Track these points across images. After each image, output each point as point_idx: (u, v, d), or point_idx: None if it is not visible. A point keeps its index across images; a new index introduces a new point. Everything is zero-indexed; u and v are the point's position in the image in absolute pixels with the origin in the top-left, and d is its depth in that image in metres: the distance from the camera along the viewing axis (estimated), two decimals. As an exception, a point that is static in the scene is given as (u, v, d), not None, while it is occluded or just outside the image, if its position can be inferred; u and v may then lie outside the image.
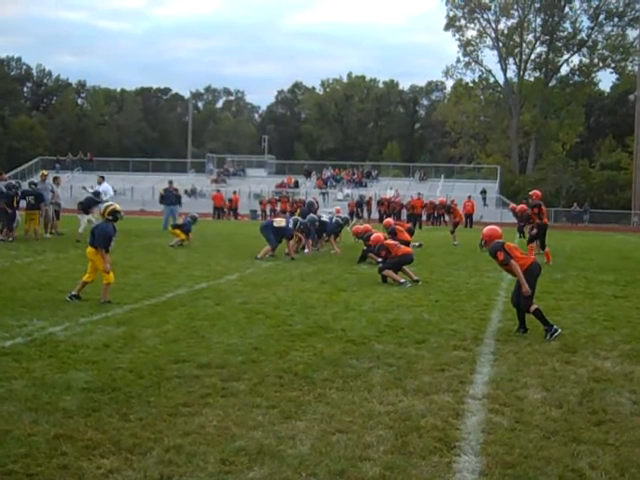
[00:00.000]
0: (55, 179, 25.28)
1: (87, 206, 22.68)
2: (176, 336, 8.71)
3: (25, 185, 25.40)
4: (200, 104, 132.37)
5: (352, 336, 8.95)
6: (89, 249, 11.22)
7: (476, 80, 78.93)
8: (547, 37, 74.32)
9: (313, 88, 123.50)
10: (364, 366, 7.48)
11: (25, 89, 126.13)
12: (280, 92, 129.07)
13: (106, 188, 25.48)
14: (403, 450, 5.13)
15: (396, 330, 9.44)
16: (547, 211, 21.61)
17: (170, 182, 30.54)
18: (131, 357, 7.61)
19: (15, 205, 21.51)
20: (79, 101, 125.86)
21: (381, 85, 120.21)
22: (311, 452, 5.04)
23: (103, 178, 27.11)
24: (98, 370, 7.04)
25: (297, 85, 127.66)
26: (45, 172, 26.28)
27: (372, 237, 15.55)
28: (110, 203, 11.83)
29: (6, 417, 5.60)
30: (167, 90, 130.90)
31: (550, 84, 75.82)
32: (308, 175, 62.70)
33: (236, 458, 4.90)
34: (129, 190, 57.14)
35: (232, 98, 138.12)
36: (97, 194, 23.21)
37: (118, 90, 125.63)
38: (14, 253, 17.63)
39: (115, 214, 11.37)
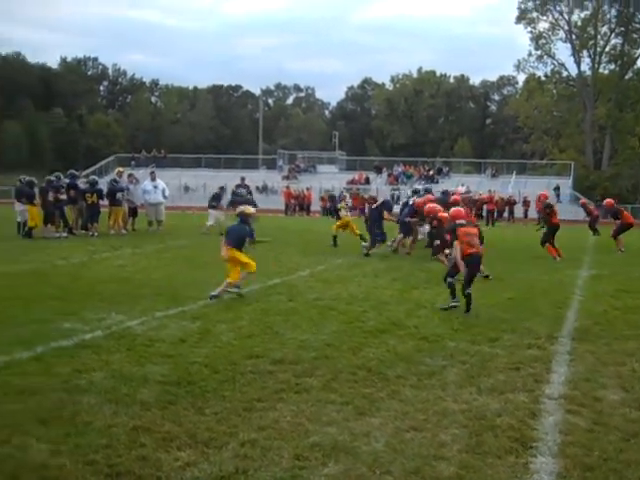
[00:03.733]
0: (130, 176, 25.76)
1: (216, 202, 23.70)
2: (250, 331, 8.79)
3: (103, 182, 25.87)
4: (271, 101, 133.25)
5: (425, 333, 8.90)
6: (227, 249, 11.46)
7: (549, 74, 77.37)
8: (622, 28, 72.44)
9: (383, 84, 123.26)
10: (438, 364, 7.44)
11: (101, 88, 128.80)
12: (350, 88, 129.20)
13: (148, 186, 25.57)
14: (478, 449, 5.08)
15: (469, 328, 9.35)
16: (592, 209, 21.30)
17: (242, 179, 30.77)
18: (206, 352, 7.71)
19: (97, 201, 22.18)
20: (153, 99, 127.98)
21: (451, 80, 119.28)
22: (385, 449, 5.04)
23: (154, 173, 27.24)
24: (174, 364, 7.16)
25: (367, 81, 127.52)
26: (121, 169, 26.85)
27: (427, 207, 15.36)
28: (245, 207, 12.21)
29: (87, 409, 5.74)
30: (238, 87, 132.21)
31: (626, 77, 73.87)
32: (379, 171, 62.48)
33: (310, 454, 4.93)
34: (202, 186, 57.84)
35: (302, 95, 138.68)
36: (120, 189, 23.46)
37: (190, 88, 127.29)
38: (92, 249, 18.02)
39: (246, 217, 11.84)
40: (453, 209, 12.24)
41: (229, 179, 49.24)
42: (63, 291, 11.45)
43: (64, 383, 6.41)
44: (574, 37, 73.20)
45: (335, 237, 19.94)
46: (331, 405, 5.97)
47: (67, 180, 22.90)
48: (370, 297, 11.63)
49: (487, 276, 13.83)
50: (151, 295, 11.25)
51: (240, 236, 11.58)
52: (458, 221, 11.23)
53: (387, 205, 19.42)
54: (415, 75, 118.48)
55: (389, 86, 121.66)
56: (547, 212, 19.25)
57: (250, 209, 12.15)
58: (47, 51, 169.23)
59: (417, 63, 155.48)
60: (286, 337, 8.51)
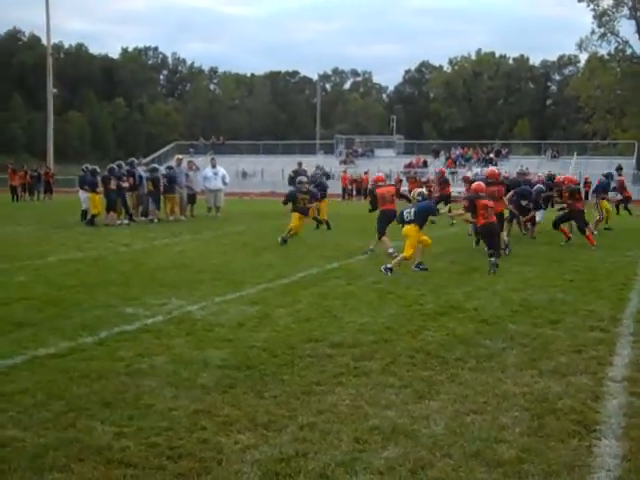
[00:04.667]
0: (189, 163, 26.07)
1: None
2: (308, 315, 8.82)
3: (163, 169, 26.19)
4: (328, 86, 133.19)
5: (485, 316, 8.82)
6: (408, 227, 12.55)
7: (612, 52, 75.59)
8: (689, 3, 70.42)
9: (440, 67, 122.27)
10: (498, 346, 7.36)
11: (161, 77, 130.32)
12: (407, 72, 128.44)
13: (209, 173, 25.76)
14: (540, 432, 5.01)
15: (530, 310, 9.23)
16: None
17: (299, 164, 30.83)
18: (265, 336, 7.76)
19: (158, 188, 22.52)
20: (211, 87, 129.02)
21: (511, 61, 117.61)
22: (445, 432, 5.00)
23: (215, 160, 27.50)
24: (233, 348, 7.22)
25: (424, 64, 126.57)
26: (180, 156, 27.16)
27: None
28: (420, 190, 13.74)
29: (149, 392, 5.83)
30: (295, 73, 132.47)
31: (694, 53, 71.83)
32: (437, 154, 61.99)
33: (370, 437, 4.92)
34: (259, 172, 58.21)
35: (359, 79, 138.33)
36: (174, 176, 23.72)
37: (248, 75, 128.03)
38: (152, 235, 18.27)
39: (423, 195, 13.19)
40: (475, 183, 14.31)
41: (287, 164, 49.41)
42: (125, 277, 11.64)
43: (127, 367, 6.51)
44: (639, 14, 71.33)
45: None
46: (390, 388, 5.96)
47: (128, 168, 23.25)
48: (428, 280, 11.56)
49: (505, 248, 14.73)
50: (210, 280, 11.36)
51: (426, 214, 12.89)
52: (480, 193, 13.26)
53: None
54: (474, 57, 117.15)
55: (447, 69, 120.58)
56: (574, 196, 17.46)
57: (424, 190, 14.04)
58: (108, 42, 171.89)
59: (476, 45, 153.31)
60: (345, 321, 8.52)
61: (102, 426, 5.08)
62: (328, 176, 27.74)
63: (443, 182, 24.22)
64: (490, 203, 13.20)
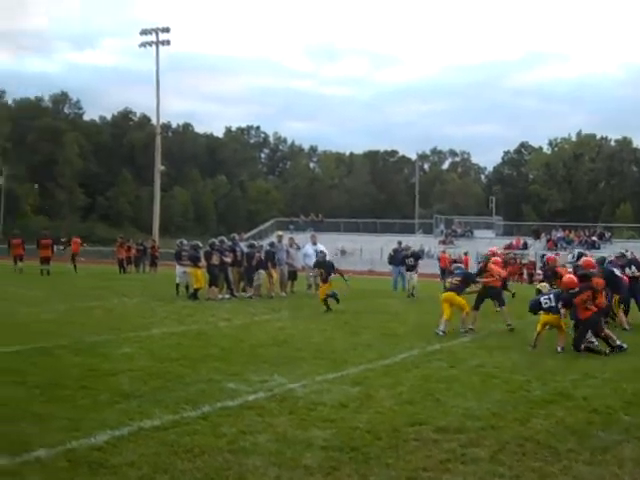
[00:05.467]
0: (290, 240, 26.42)
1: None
2: (411, 398, 8.63)
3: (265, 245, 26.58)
4: (426, 165, 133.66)
5: (595, 405, 8.44)
6: (446, 294, 14.83)
7: None
8: None
9: (540, 148, 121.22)
10: (612, 438, 7.00)
11: (262, 155, 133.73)
12: (506, 153, 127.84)
13: (309, 250, 25.98)
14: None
15: (645, 401, 8.80)
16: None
17: (399, 242, 30.83)
18: (368, 417, 7.62)
19: (255, 263, 22.82)
20: (311, 165, 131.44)
21: (613, 143, 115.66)
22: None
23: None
24: (336, 429, 7.11)
25: (523, 145, 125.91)
26: (280, 233, 27.56)
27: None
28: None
29: (252, 470, 5.77)
30: (394, 152, 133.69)
31: None
32: (537, 236, 60.97)
33: (481, 529, 4.72)
34: (358, 250, 58.36)
35: (458, 159, 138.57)
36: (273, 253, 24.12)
37: (347, 154, 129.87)
38: (253, 311, 18.44)
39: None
40: (567, 277, 13.43)
41: (386, 243, 49.42)
42: (226, 352, 11.72)
43: (230, 444, 6.48)
44: None
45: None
46: (500, 479, 5.73)
47: (230, 243, 23.68)
48: (534, 366, 11.20)
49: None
50: (311, 358, 11.31)
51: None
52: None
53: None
54: (574, 138, 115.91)
55: (547, 150, 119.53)
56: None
57: None
58: (213, 121, 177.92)
59: (576, 126, 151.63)
60: (449, 405, 8.29)
61: (207, 504, 5.04)
62: (418, 256, 27.76)
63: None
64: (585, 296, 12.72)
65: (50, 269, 33.44)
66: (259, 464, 5.93)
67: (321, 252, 22.10)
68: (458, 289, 14.93)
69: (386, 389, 9.10)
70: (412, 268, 26.40)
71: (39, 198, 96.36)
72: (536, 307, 13.22)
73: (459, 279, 15.11)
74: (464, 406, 8.21)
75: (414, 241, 52.93)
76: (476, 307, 15.58)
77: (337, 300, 19.45)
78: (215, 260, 22.01)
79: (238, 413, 7.66)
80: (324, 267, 19.97)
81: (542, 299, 13.05)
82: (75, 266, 37.48)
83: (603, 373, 10.69)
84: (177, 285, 23.27)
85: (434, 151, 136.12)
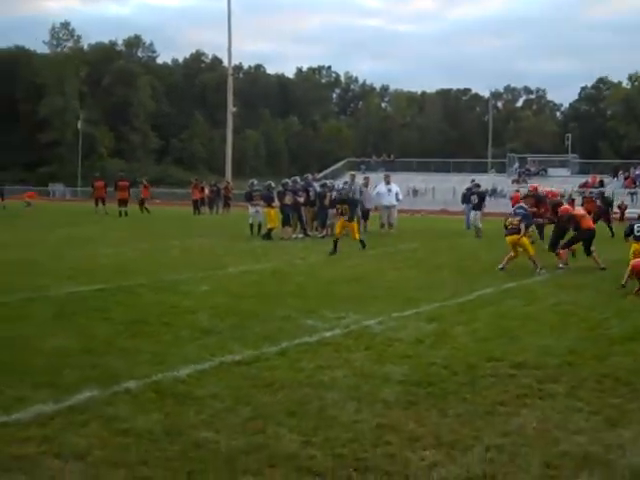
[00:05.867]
0: (365, 179, 26.45)
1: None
2: (486, 335, 8.66)
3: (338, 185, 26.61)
4: (500, 103, 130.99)
5: (676, 343, 8.34)
6: (509, 238, 14.76)
7: None
8: None
9: (619, 83, 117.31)
10: (693, 375, 6.93)
11: (334, 95, 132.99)
12: (583, 88, 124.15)
13: (382, 189, 25.86)
14: None
15: None
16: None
17: (472, 181, 30.47)
18: (444, 353, 7.68)
19: (328, 204, 22.89)
20: (382, 104, 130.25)
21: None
22: (643, 464, 4.76)
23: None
24: (413, 364, 7.19)
25: (602, 80, 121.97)
26: (353, 173, 27.51)
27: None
28: None
29: (332, 404, 5.90)
30: (467, 90, 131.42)
31: None
32: (615, 174, 59.49)
33: (561, 462, 4.75)
34: (430, 190, 57.98)
35: (532, 96, 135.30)
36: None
37: (419, 92, 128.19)
38: (326, 249, 18.59)
39: None
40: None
41: (458, 183, 48.96)
42: (302, 290, 11.90)
43: (308, 378, 6.63)
44: None
45: None
46: (578, 413, 5.74)
47: (303, 183, 23.80)
48: (612, 303, 11.07)
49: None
50: (386, 296, 11.40)
51: None
52: None
53: None
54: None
55: (626, 85, 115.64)
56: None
57: None
58: (285, 62, 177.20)
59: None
60: (525, 342, 8.29)
61: (289, 434, 5.19)
62: (483, 195, 27.26)
63: None
64: None
65: (128, 210, 34.16)
66: (338, 398, 6.06)
67: (343, 188, 21.86)
68: (519, 230, 14.70)
69: (462, 326, 9.15)
70: (477, 207, 26.04)
71: (114, 141, 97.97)
72: (628, 232, 13.38)
73: (518, 219, 14.86)
74: (541, 343, 8.19)
75: (486, 180, 52.33)
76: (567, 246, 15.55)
77: (363, 246, 18.84)
78: (288, 200, 22.19)
79: (315, 349, 7.80)
80: (348, 204, 18.89)
81: (636, 226, 12.99)
82: (143, 209, 37.65)
83: (684, 311, 10.53)
84: (250, 225, 23.57)
85: (508, 88, 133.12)
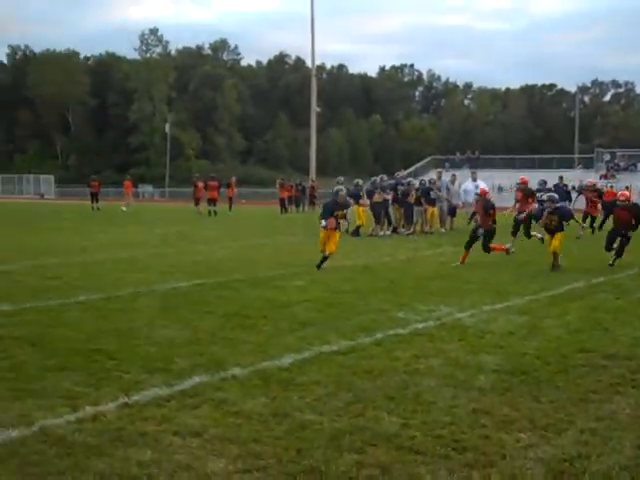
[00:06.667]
0: (452, 176, 26.55)
1: None
2: (578, 327, 8.78)
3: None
4: (586, 98, 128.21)
5: None
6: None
7: None
8: None
9: None
10: None
11: (416, 93, 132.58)
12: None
13: (469, 186, 25.79)
14: None
15: None
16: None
17: (560, 178, 30.18)
18: (536, 344, 7.86)
19: (413, 200, 23.11)
20: (466, 102, 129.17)
21: None
22: None
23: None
24: (506, 354, 7.40)
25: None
26: (440, 170, 27.65)
27: None
28: None
29: (428, 390, 6.17)
30: (552, 86, 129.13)
31: None
32: None
33: (654, 445, 4.93)
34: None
35: (621, 90, 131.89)
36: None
37: (502, 89, 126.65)
38: (414, 246, 18.81)
39: None
40: None
41: (546, 179, 48.23)
42: (393, 284, 12.18)
43: (405, 366, 6.91)
44: None
45: None
46: (672, 402, 5.88)
47: (392, 181, 24.05)
48: None
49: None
50: (477, 290, 11.58)
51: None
52: None
53: None
54: None
55: None
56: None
57: None
58: (367, 61, 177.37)
59: None
60: (617, 333, 8.40)
61: (389, 417, 5.49)
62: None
63: None
64: None
65: (217, 210, 34.99)
66: (434, 385, 6.33)
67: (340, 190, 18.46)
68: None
69: (552, 319, 9.29)
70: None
71: (201, 143, 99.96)
72: None
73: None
74: (632, 335, 8.30)
75: (573, 176, 51.41)
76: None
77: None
78: (377, 198, 22.46)
79: (410, 340, 8.08)
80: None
81: None
82: (230, 206, 38.65)
83: None
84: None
85: (595, 82, 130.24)
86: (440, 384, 6.34)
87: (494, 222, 15.34)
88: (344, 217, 14.87)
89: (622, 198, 15.26)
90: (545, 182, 26.64)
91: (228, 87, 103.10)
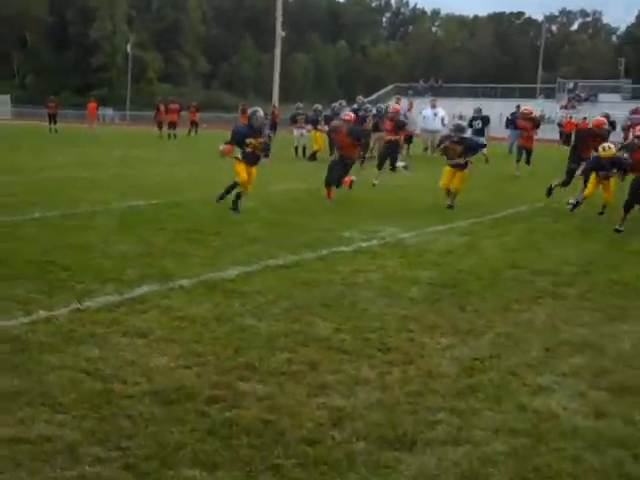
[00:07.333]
0: (409, 103, 26.78)
1: None
2: (514, 247, 9.30)
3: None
4: (554, 27, 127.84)
5: (693, 257, 8.89)
6: None
7: None
8: None
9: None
10: (701, 284, 7.52)
11: (384, 19, 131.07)
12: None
13: (428, 113, 26.04)
14: None
15: None
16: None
17: (517, 107, 30.56)
18: (471, 262, 8.34)
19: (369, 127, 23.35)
20: (433, 29, 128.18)
21: None
22: (630, 350, 5.43)
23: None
24: (441, 270, 7.88)
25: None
26: (398, 97, 27.81)
27: None
28: None
29: (363, 299, 6.62)
30: (520, 14, 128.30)
31: None
32: (668, 99, 58.44)
33: (559, 347, 5.43)
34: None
35: (589, 20, 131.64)
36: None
37: (470, 17, 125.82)
38: (365, 172, 19.14)
39: None
40: None
41: (505, 108, 48.57)
42: (342, 206, 12.58)
43: (344, 279, 7.35)
44: None
45: None
46: (584, 311, 6.40)
47: (355, 106, 24.26)
48: (637, 222, 11.52)
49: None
50: (422, 213, 12.03)
51: None
52: None
53: None
54: None
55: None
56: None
57: None
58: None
59: None
60: (548, 253, 8.93)
61: (323, 322, 5.92)
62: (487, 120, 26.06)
63: None
64: None
65: (177, 133, 34.98)
66: (370, 295, 6.78)
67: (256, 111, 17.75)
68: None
69: (492, 239, 9.80)
70: (480, 132, 25.14)
71: (163, 65, 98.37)
72: None
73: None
74: (562, 254, 8.83)
75: (534, 105, 51.83)
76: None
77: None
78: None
79: (352, 256, 8.52)
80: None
81: None
82: (190, 132, 38.91)
83: None
84: (295, 148, 24.19)
85: (563, 11, 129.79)
86: (375, 295, 6.79)
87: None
88: (264, 150, 12.15)
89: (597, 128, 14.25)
90: (480, 109, 26.69)
91: (192, 7, 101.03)
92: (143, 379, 4.62)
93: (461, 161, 12.62)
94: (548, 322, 6.05)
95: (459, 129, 13.12)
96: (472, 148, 13.00)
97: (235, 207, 11.42)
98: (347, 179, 13.69)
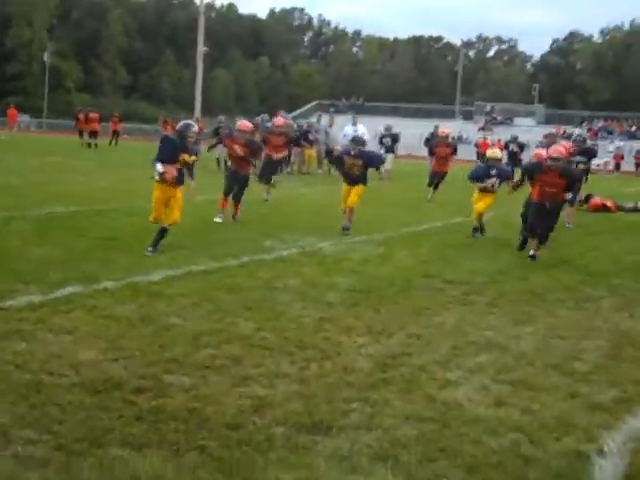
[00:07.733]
0: (330, 119, 27.27)
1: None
2: (428, 258, 9.74)
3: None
4: (471, 53, 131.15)
5: (593, 270, 9.47)
6: None
7: None
8: None
9: (591, 36, 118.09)
10: (598, 294, 8.06)
11: (306, 38, 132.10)
12: (555, 41, 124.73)
13: (349, 130, 26.58)
14: (615, 357, 5.77)
15: (638, 270, 9.78)
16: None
17: (436, 127, 31.40)
18: (387, 270, 8.73)
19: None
20: (354, 49, 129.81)
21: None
22: (532, 349, 5.86)
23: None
24: (358, 278, 8.23)
25: (573, 34, 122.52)
26: (320, 113, 28.30)
27: None
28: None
29: (283, 303, 6.91)
30: (439, 39, 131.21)
31: None
32: (579, 125, 60.81)
33: (466, 347, 5.82)
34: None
35: (504, 47, 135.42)
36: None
37: (391, 39, 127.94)
38: (290, 185, 19.49)
39: None
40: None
41: (425, 128, 49.64)
42: (265, 218, 12.87)
43: (265, 284, 7.64)
44: None
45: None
46: (491, 316, 6.83)
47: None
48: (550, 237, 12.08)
49: None
50: (340, 226, 12.35)
51: None
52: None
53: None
54: (627, 27, 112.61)
55: (597, 39, 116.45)
56: None
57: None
58: (257, 2, 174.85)
59: (631, 14, 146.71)
60: (460, 264, 9.38)
61: (245, 322, 6.18)
62: (396, 138, 26.42)
63: None
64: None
65: (97, 143, 34.72)
66: (288, 299, 7.07)
67: (191, 125, 16.69)
68: None
69: (407, 250, 10.22)
70: (390, 149, 25.56)
71: (82, 75, 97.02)
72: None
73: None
74: (473, 266, 9.29)
75: (453, 127, 53.16)
76: None
77: None
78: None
79: (273, 264, 8.81)
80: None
81: None
82: (111, 142, 38.89)
83: (609, 246, 11.69)
84: (217, 159, 24.46)
85: (480, 38, 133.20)
86: (294, 299, 7.09)
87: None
88: (189, 167, 9.51)
89: (555, 155, 10.27)
90: (390, 127, 27.04)
91: (114, 19, 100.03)
92: (71, 371, 4.80)
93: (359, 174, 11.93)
94: (457, 325, 6.44)
95: (358, 142, 12.19)
96: (371, 162, 12.23)
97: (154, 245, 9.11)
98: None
